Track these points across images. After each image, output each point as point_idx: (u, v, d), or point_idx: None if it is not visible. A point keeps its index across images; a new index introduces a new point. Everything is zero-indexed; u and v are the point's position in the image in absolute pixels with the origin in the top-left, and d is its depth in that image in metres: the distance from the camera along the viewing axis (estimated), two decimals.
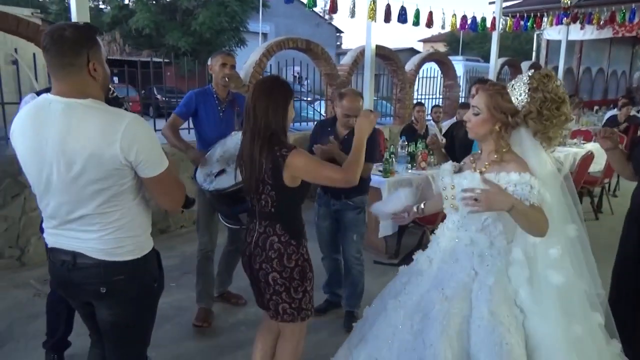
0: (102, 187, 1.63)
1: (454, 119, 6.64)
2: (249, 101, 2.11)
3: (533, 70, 2.00)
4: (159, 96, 10.57)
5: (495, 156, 1.99)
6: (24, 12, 4.90)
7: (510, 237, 2.00)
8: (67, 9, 3.87)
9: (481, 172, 1.98)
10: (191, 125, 3.39)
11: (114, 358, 1.92)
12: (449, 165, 2.23)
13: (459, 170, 2.16)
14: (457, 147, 3.24)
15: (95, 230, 1.68)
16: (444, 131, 6.21)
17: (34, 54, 4.47)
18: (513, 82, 2.01)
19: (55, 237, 1.75)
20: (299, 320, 2.21)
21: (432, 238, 2.27)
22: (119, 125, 1.59)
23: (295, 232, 2.16)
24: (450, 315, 1.88)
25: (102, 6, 21.18)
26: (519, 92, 1.95)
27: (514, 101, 1.95)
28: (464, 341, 1.85)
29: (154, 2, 20.00)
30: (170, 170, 1.74)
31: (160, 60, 6.50)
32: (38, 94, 2.38)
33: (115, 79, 11.95)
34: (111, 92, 1.90)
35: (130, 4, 20.26)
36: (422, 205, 2.46)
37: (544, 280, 1.91)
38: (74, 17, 3.77)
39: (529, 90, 1.93)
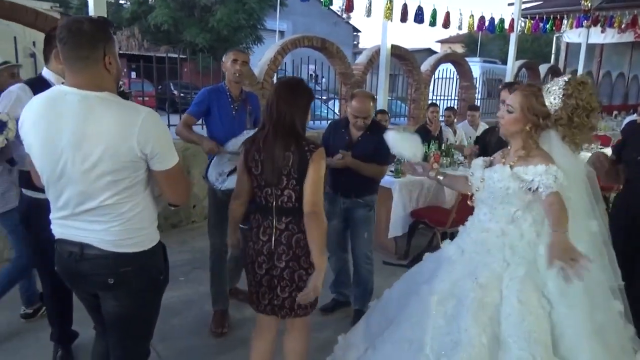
0: (116, 179, 1.65)
1: (465, 122, 6.59)
2: (273, 97, 2.15)
3: (570, 76, 2.09)
4: (175, 92, 10.65)
5: (523, 152, 2.08)
6: (43, 6, 4.97)
7: (539, 229, 2.07)
8: (87, 3, 3.91)
9: (511, 167, 2.08)
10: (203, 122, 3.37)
11: (118, 350, 1.94)
12: (480, 160, 2.33)
13: (490, 165, 2.25)
14: (490, 154, 3.23)
15: (105, 221, 1.70)
16: (459, 132, 6.18)
17: None
18: (549, 85, 2.10)
19: (63, 227, 1.77)
20: (309, 313, 2.30)
21: (461, 229, 2.38)
22: (136, 119, 1.61)
23: None
24: (484, 304, 1.99)
25: (122, 1, 21.38)
26: (553, 97, 2.04)
27: (547, 104, 2.04)
28: (495, 327, 1.96)
29: None
30: (180, 165, 1.78)
31: (176, 56, 6.53)
32: (29, 83, 2.40)
33: (133, 74, 12.09)
34: (120, 86, 1.92)
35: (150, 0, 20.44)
36: (440, 177, 2.56)
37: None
38: (91, 12, 3.81)
39: (563, 95, 2.03)
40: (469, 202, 2.43)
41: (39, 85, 2.25)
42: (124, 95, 2.03)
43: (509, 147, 2.20)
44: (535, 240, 2.07)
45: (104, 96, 1.64)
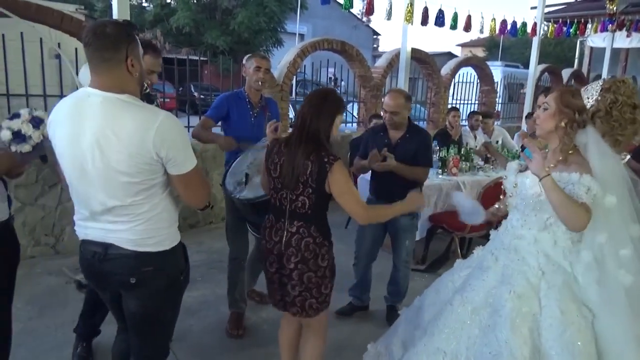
0: (133, 181, 1.68)
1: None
2: (304, 106, 2.22)
3: (612, 76, 2.09)
4: (195, 93, 10.76)
5: (560, 157, 2.01)
6: (68, 8, 5.07)
7: (575, 237, 2.01)
8: (111, 7, 3.98)
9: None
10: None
11: (138, 349, 1.97)
12: (515, 164, 2.27)
13: (525, 169, 2.17)
14: None
15: (126, 221, 1.73)
16: (479, 138, 6.10)
17: (75, 49, 4.60)
18: (588, 85, 2.07)
19: (86, 229, 1.81)
20: (320, 313, 2.31)
21: (493, 234, 2.32)
22: (153, 122, 1.63)
23: (327, 233, 2.26)
24: (522, 313, 1.93)
25: (145, 4, 21.66)
26: (591, 92, 2.00)
27: (585, 101, 1.98)
28: (535, 339, 1.90)
29: (194, 1, 20.33)
30: (198, 169, 1.79)
31: (197, 58, 6.59)
32: None
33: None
34: (145, 88, 1.94)
35: (172, 2, 20.67)
36: (496, 205, 2.52)
37: (614, 281, 1.91)
38: (115, 15, 3.87)
39: (601, 90, 1.98)
40: (498, 205, 2.41)
41: None
42: (149, 97, 2.04)
43: (546, 150, 2.11)
44: (570, 248, 2.01)
45: (124, 98, 1.67)
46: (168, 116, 1.69)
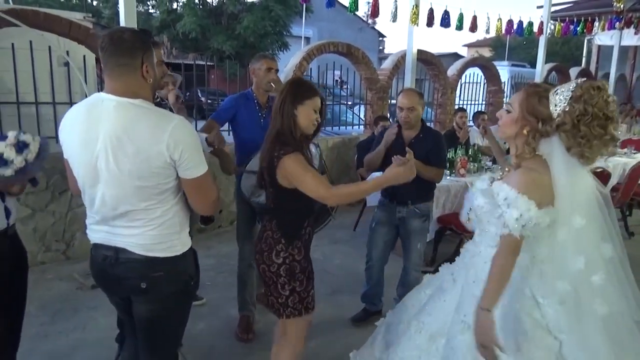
0: (147, 185, 1.69)
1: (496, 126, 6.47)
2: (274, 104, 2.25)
3: (585, 79, 1.74)
4: (202, 98, 10.81)
5: (515, 161, 1.82)
6: (76, 16, 5.11)
7: (538, 254, 1.77)
8: (118, 14, 4.01)
9: (492, 180, 1.85)
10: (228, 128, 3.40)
11: (146, 353, 1.97)
12: (487, 177, 2.01)
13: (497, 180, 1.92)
14: None
15: (139, 225, 1.74)
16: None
17: (84, 56, 4.65)
18: (560, 87, 1.75)
19: (98, 233, 1.82)
20: (284, 317, 2.26)
21: (461, 251, 2.12)
22: (167, 125, 1.66)
23: (288, 233, 2.20)
24: (472, 347, 1.73)
25: (151, 11, 21.84)
26: (559, 99, 1.71)
27: (552, 107, 1.73)
28: None
29: (200, 6, 20.46)
30: (208, 175, 1.80)
31: (204, 63, 6.64)
32: None
33: None
34: (155, 97, 1.94)
35: (178, 8, 20.81)
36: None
37: (590, 314, 1.70)
38: (122, 21, 3.90)
39: (570, 98, 1.67)
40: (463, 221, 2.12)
41: None
42: (160, 106, 2.05)
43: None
44: (529, 267, 1.76)
45: (138, 103, 1.69)
46: (182, 120, 1.72)
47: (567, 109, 1.67)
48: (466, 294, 1.89)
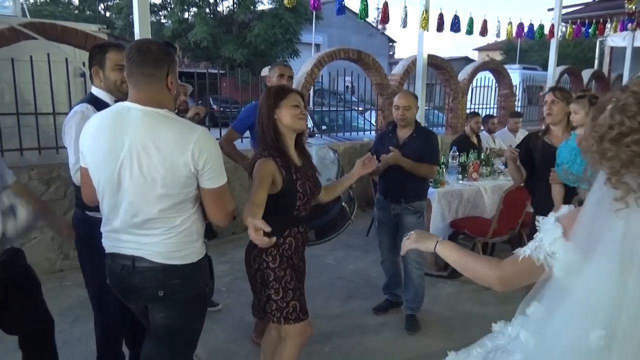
0: (169, 193, 1.73)
1: (504, 129, 6.46)
2: None
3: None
4: (214, 106, 10.92)
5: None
6: (91, 28, 5.22)
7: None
8: (131, 24, 4.09)
9: None
10: (245, 135, 3.46)
11: (162, 359, 2.00)
12: (552, 220, 1.30)
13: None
14: (539, 161, 3.14)
15: (158, 234, 1.77)
16: (498, 141, 6.07)
17: None
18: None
19: (115, 241, 1.85)
20: (265, 321, 2.34)
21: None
22: (192, 135, 1.70)
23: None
24: None
25: (163, 20, 22.12)
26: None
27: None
28: None
29: (211, 15, 20.69)
30: (227, 186, 1.84)
31: (216, 71, 6.72)
32: (89, 101, 2.34)
33: None
34: (176, 107, 1.98)
35: (190, 18, 21.07)
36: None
37: None
38: (137, 31, 3.99)
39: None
40: None
41: (94, 102, 2.30)
42: (180, 116, 2.10)
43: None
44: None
45: (163, 113, 1.74)
46: (205, 131, 1.78)
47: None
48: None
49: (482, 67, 9.14)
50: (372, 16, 25.23)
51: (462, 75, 8.59)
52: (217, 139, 3.36)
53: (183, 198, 1.77)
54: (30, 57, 4.40)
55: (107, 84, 2.35)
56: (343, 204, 2.73)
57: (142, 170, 1.70)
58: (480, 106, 8.92)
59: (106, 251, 1.90)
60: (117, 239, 1.84)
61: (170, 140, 1.69)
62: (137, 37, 3.98)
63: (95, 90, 2.40)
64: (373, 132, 7.72)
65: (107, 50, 2.35)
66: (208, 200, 1.82)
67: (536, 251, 1.27)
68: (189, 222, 1.81)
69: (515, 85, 9.71)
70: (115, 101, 2.33)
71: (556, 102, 3.07)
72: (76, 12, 23.90)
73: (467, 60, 23.85)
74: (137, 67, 1.72)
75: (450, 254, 1.57)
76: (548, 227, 1.27)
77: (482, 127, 5.82)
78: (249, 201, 2.00)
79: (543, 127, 3.44)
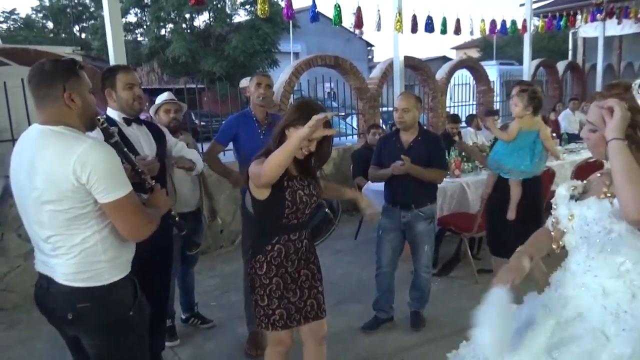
0: (59, 209, 1.67)
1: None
2: None
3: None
4: (196, 121, 10.89)
5: None
6: (65, 50, 5.21)
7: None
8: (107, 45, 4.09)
9: (611, 200, 1.54)
10: (229, 147, 3.46)
11: None
12: (564, 190, 1.70)
13: (583, 193, 1.67)
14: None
15: (61, 254, 1.71)
16: (480, 138, 6.14)
17: None
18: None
19: (38, 260, 1.83)
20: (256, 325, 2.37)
21: (551, 282, 1.74)
22: (77, 148, 1.64)
23: (254, 246, 2.29)
24: None
25: (140, 38, 22.06)
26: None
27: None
28: None
29: (188, 30, 20.69)
30: (130, 198, 1.72)
31: (194, 86, 6.72)
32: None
33: None
34: (100, 122, 1.91)
35: (167, 34, 21.04)
36: (526, 263, 1.70)
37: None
38: (111, 52, 3.96)
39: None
40: (554, 248, 1.73)
41: (109, 122, 2.25)
42: (107, 131, 1.99)
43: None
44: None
45: (58, 129, 1.69)
46: (94, 144, 1.68)
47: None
48: (563, 330, 1.55)
49: (459, 65, 9.25)
50: (349, 21, 25.42)
51: (440, 75, 8.68)
52: (200, 153, 3.36)
53: (77, 214, 1.68)
54: (4, 83, 4.36)
55: (120, 104, 2.52)
56: (327, 210, 2.73)
57: (32, 187, 1.68)
58: (460, 103, 9.02)
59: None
60: (38, 259, 1.83)
61: (50, 156, 1.66)
62: (111, 57, 3.96)
63: (110, 111, 2.55)
64: (355, 136, 7.76)
65: (117, 72, 2.52)
66: (108, 214, 1.72)
67: None
68: (92, 240, 1.72)
69: (493, 81, 9.84)
70: (124, 119, 2.54)
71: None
72: (51, 35, 23.75)
73: (445, 59, 24.09)
74: (33, 90, 1.72)
75: (629, 157, 1.44)
76: None
77: (465, 126, 5.88)
78: (258, 168, 2.05)
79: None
